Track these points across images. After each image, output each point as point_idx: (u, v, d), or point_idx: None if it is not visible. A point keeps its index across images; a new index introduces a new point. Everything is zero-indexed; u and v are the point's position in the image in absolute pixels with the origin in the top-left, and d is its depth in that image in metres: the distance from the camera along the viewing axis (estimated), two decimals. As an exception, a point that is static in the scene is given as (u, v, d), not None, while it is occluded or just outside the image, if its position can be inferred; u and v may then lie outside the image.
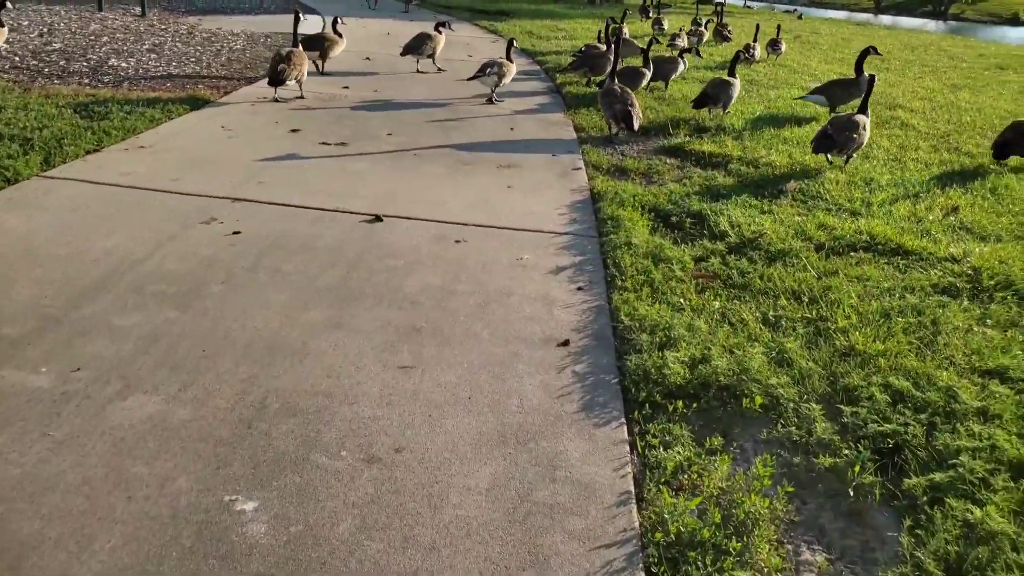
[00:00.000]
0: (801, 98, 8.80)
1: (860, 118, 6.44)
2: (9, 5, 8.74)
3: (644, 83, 8.92)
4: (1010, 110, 9.87)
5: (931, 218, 5.24)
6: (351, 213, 4.77)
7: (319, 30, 13.30)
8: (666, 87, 9.59)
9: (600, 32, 13.19)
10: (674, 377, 3.13)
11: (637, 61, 10.05)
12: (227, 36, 11.62)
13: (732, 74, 8.24)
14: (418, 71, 10.05)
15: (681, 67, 9.65)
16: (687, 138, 7.26)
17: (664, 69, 9.40)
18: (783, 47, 13.46)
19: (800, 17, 27.10)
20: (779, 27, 14.19)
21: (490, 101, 8.50)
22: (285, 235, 4.36)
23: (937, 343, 3.54)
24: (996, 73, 13.96)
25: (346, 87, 8.62)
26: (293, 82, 7.57)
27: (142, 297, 3.54)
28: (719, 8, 22.67)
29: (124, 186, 4.90)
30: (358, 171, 5.63)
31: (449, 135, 6.90)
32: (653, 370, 3.17)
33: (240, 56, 10.08)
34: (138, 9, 13.24)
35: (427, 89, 8.99)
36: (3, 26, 8.10)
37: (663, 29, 16.51)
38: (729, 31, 15.57)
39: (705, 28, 15.19)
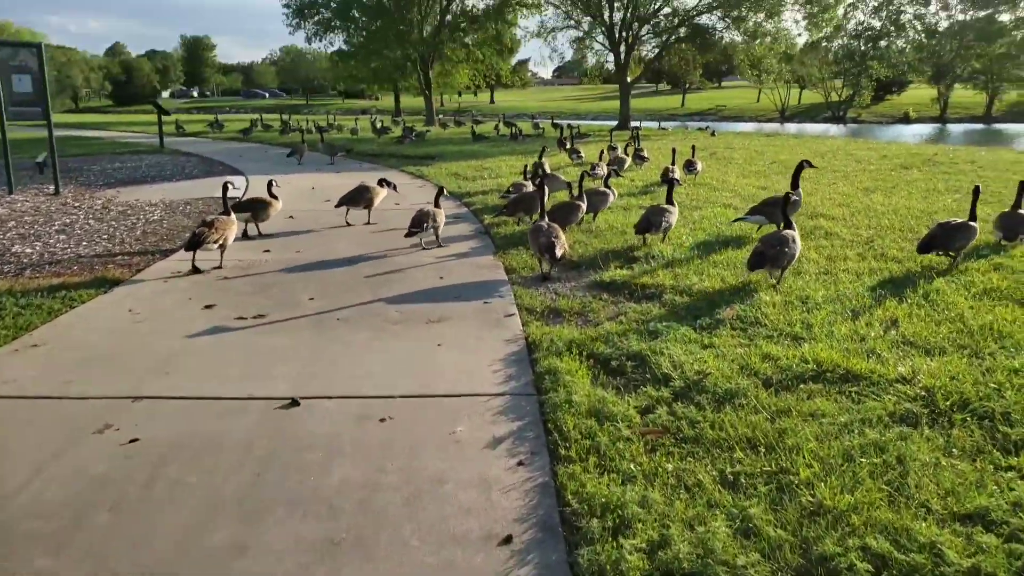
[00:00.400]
0: (739, 219, 8.62)
1: (789, 232, 6.52)
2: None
3: (579, 216, 8.96)
4: (923, 208, 10.25)
5: (873, 335, 5.12)
6: (265, 399, 4.36)
7: (242, 193, 13.33)
8: (594, 219, 9.66)
9: (525, 167, 13.52)
10: (633, 572, 2.74)
11: (563, 195, 10.19)
12: (144, 207, 11.41)
13: (670, 201, 8.38)
14: (347, 223, 9.95)
15: (611, 198, 9.81)
16: (619, 271, 7.18)
17: (594, 202, 9.50)
18: (700, 166, 13.99)
19: (713, 134, 28.78)
20: (693, 147, 14.80)
21: (422, 246, 8.40)
22: (189, 436, 3.92)
23: (908, 486, 3.26)
24: (902, 173, 14.73)
25: (267, 251, 8.39)
26: (214, 247, 7.34)
27: (7, 545, 3.01)
28: (635, 133, 23.93)
29: (5, 397, 4.41)
30: (275, 347, 5.27)
31: (376, 291, 6.65)
32: (608, 566, 2.78)
33: (157, 228, 9.83)
34: (51, 187, 12.99)
35: (354, 243, 8.83)
36: None
37: (581, 158, 17.11)
38: (645, 154, 16.19)
39: (624, 153, 15.75)
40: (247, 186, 14.35)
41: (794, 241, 6.46)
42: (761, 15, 30.89)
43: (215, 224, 7.35)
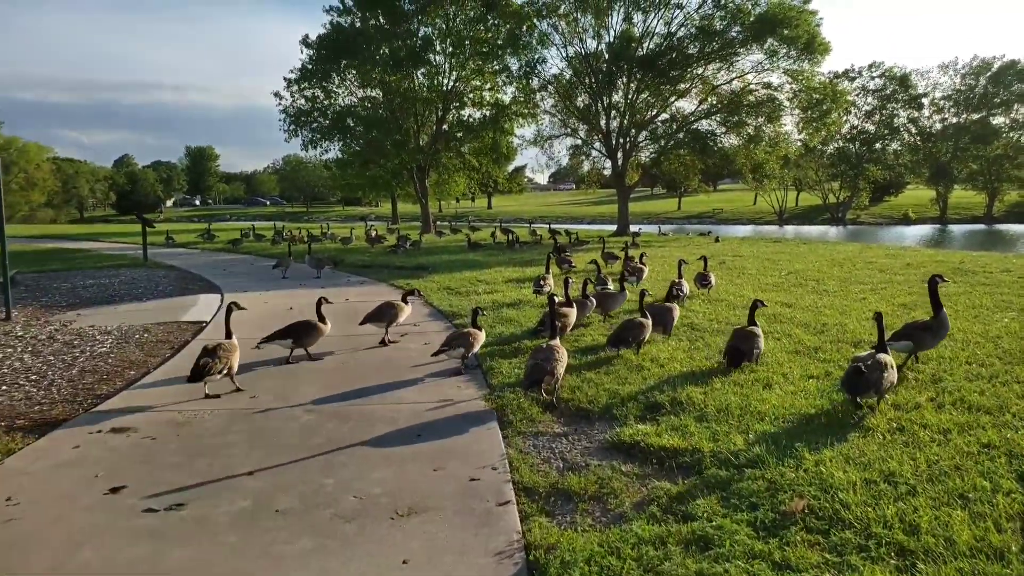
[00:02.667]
0: (890, 345, 6.83)
1: (885, 357, 6.04)
2: None
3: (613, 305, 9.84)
4: (981, 332, 8.96)
5: (1014, 548, 3.67)
6: None
7: (212, 312, 12.10)
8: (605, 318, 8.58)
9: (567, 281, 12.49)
10: None
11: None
12: (96, 336, 10.11)
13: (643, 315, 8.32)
14: (288, 358, 8.60)
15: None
16: (640, 425, 5.79)
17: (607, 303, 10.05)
18: (712, 279, 12.80)
19: (717, 239, 27.93)
20: (705, 259, 13.67)
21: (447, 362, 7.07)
22: None
23: None
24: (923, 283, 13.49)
25: (216, 395, 7.01)
26: (219, 376, 6.83)
27: None
28: (633, 238, 23.07)
29: None
30: (182, 568, 3.80)
31: (331, 465, 5.21)
32: None
33: (99, 364, 8.48)
34: (2, 311, 11.75)
35: (321, 382, 7.46)
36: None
37: (572, 267, 16.04)
38: (643, 261, 15.09)
39: (642, 263, 14.59)
40: (221, 304, 13.14)
41: (891, 367, 6.00)
42: (761, 119, 30.79)
43: (218, 352, 6.87)
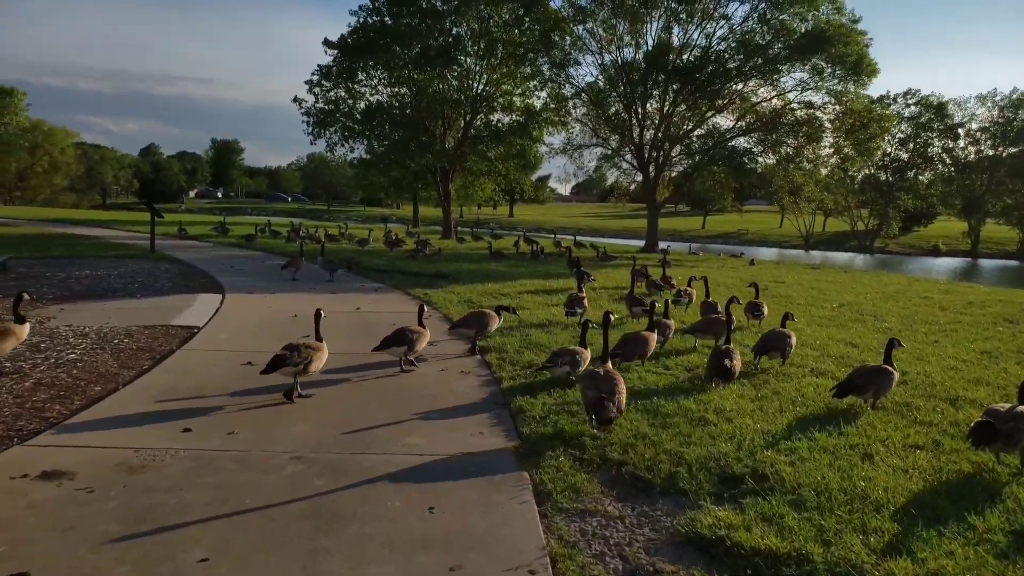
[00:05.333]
0: None
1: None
2: None
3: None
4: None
5: None
6: None
7: (208, 316, 10.89)
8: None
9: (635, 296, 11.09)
10: None
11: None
12: (68, 339, 8.91)
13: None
14: (298, 395, 7.31)
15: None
16: (717, 507, 4.47)
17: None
18: (765, 310, 11.41)
19: (752, 262, 26.48)
20: (756, 286, 12.28)
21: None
22: None
23: None
24: (1011, 329, 12.06)
25: (187, 429, 5.74)
26: (293, 370, 6.58)
27: None
28: (664, 256, 21.69)
29: None
30: None
31: (315, 553, 3.89)
32: None
33: (60, 375, 7.26)
34: (-23, 303, 10.59)
35: (315, 417, 6.18)
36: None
37: (592, 280, 14.92)
38: (691, 285, 13.78)
39: (690, 287, 13.32)
40: (220, 306, 11.93)
41: None
42: (801, 139, 29.32)
43: (301, 348, 6.64)
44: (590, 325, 7.95)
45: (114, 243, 25.46)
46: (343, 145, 36.04)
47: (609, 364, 6.47)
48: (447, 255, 24.39)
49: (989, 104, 67.36)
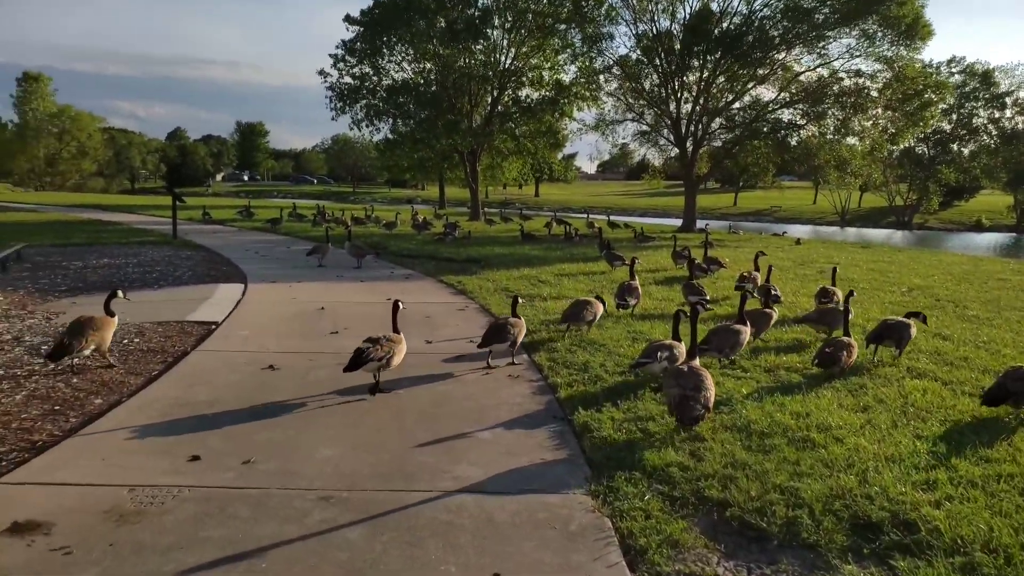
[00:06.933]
0: None
1: None
2: None
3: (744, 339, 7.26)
4: None
5: None
6: None
7: (228, 310, 10.01)
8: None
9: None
10: None
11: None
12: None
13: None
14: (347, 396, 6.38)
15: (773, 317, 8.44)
16: (857, 567, 3.46)
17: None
18: (838, 294, 10.24)
19: (798, 242, 25.11)
20: (835, 269, 11.17)
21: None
22: None
23: None
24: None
25: (195, 456, 4.83)
26: (376, 364, 6.19)
27: None
28: (706, 237, 20.43)
29: None
30: None
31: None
32: None
33: (58, 385, 6.39)
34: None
35: (348, 438, 5.25)
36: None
37: (624, 263, 13.84)
38: (757, 266, 12.65)
39: (756, 268, 12.26)
40: (241, 298, 11.08)
41: None
42: (848, 110, 27.60)
43: (381, 340, 6.31)
44: (682, 317, 6.93)
45: (137, 229, 24.84)
46: (368, 124, 35.04)
47: (697, 361, 5.76)
48: (477, 238, 23.40)
49: (1039, 70, 64.38)
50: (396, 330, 6.78)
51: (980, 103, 64.79)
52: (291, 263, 15.82)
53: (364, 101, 34.28)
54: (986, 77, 63.57)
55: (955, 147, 66.03)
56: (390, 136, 37.13)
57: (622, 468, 4.70)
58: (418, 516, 4.05)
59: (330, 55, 34.23)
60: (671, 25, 29.83)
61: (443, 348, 8.07)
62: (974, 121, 65.07)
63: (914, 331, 7.69)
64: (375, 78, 34.61)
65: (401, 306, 7.08)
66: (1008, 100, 64.66)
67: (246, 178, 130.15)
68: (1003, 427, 5.56)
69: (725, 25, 28.99)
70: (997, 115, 65.59)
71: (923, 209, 66.73)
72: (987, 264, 18.94)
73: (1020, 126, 65.62)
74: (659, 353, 6.34)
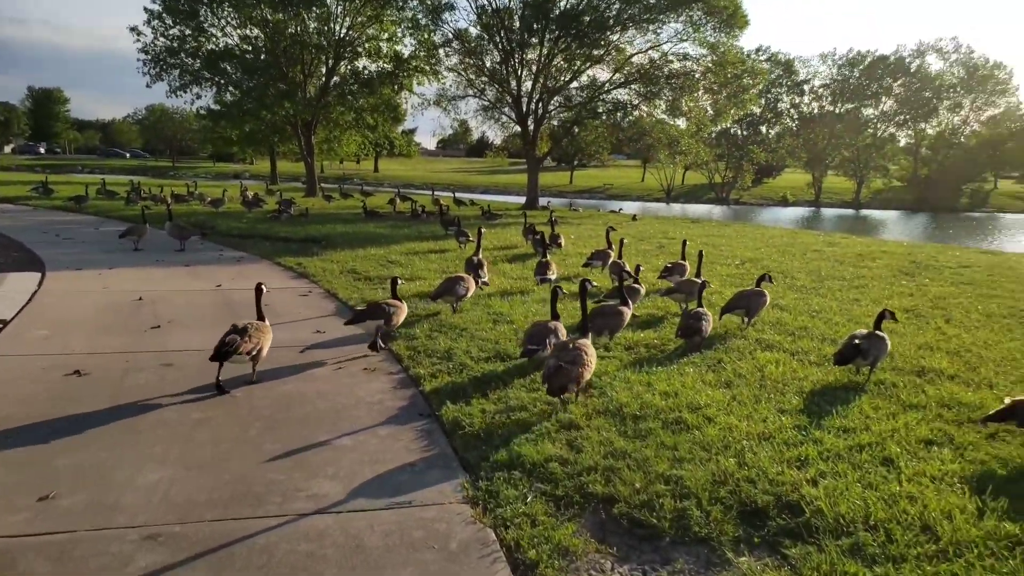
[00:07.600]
0: None
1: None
2: None
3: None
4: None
5: None
6: None
7: (21, 304, 8.51)
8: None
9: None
10: None
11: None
12: None
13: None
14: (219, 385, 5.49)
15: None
16: (751, 559, 3.35)
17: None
18: (688, 267, 10.51)
19: (634, 218, 26.03)
20: (684, 244, 11.52)
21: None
22: None
23: None
24: (909, 282, 11.88)
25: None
26: (247, 358, 5.68)
27: None
28: (551, 215, 20.63)
29: None
30: None
31: None
32: None
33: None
34: None
35: (178, 454, 4.45)
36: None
37: (470, 239, 13.65)
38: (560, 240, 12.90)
39: (609, 245, 12.27)
40: (38, 289, 9.53)
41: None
42: (677, 91, 29.00)
43: (248, 330, 5.84)
44: (559, 293, 6.75)
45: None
46: (187, 91, 32.00)
47: (587, 339, 5.81)
48: (315, 216, 22.13)
49: (829, 63, 71.78)
50: (261, 317, 6.38)
51: (783, 89, 71.30)
52: (101, 247, 14.01)
53: (183, 67, 31.24)
54: (788, 66, 70.12)
55: (764, 129, 72.18)
56: (214, 106, 34.26)
57: (499, 468, 4.33)
58: (272, 550, 3.43)
59: (145, 8, 30.73)
60: (510, 2, 29.72)
61: (287, 339, 7.29)
62: (779, 106, 71.44)
63: (767, 299, 8.04)
64: (196, 42, 31.61)
65: (264, 289, 6.64)
66: (806, 88, 71.76)
67: (43, 150, 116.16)
68: (848, 395, 5.77)
69: (563, 5, 29.30)
70: (797, 100, 72.60)
71: (738, 186, 72.48)
72: (803, 236, 20.57)
73: (816, 111, 72.94)
74: (548, 339, 6.15)
